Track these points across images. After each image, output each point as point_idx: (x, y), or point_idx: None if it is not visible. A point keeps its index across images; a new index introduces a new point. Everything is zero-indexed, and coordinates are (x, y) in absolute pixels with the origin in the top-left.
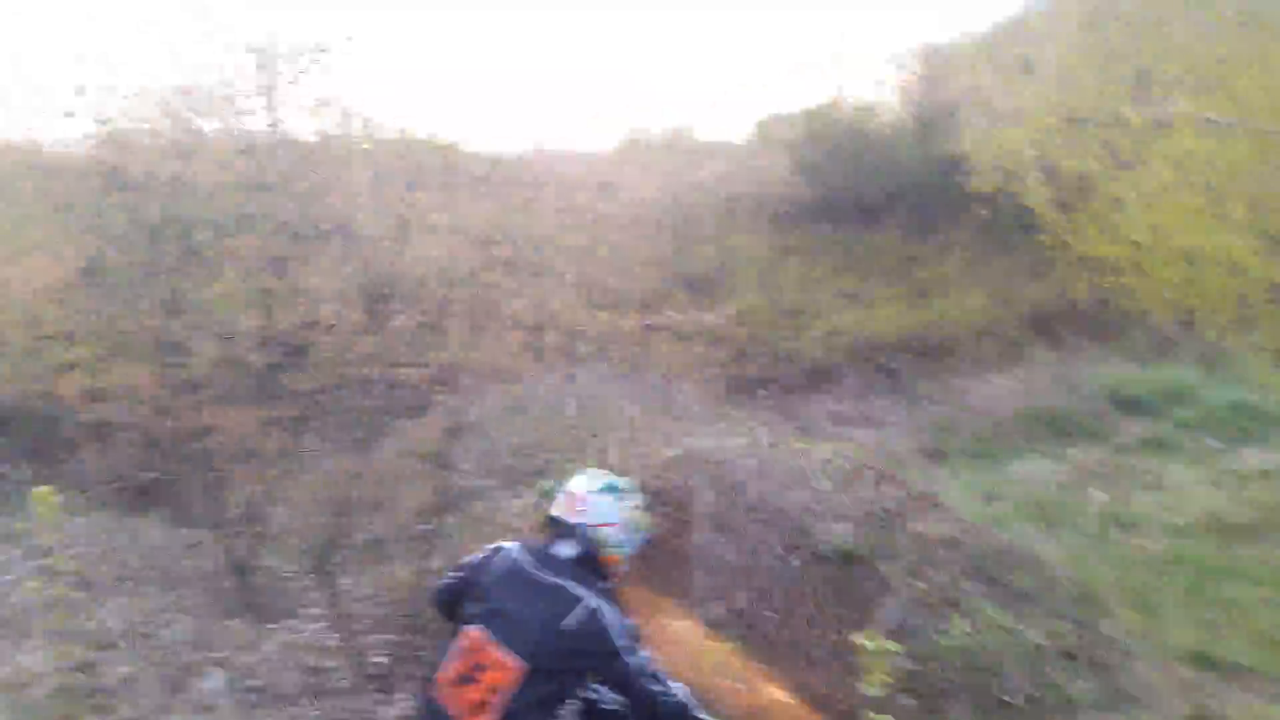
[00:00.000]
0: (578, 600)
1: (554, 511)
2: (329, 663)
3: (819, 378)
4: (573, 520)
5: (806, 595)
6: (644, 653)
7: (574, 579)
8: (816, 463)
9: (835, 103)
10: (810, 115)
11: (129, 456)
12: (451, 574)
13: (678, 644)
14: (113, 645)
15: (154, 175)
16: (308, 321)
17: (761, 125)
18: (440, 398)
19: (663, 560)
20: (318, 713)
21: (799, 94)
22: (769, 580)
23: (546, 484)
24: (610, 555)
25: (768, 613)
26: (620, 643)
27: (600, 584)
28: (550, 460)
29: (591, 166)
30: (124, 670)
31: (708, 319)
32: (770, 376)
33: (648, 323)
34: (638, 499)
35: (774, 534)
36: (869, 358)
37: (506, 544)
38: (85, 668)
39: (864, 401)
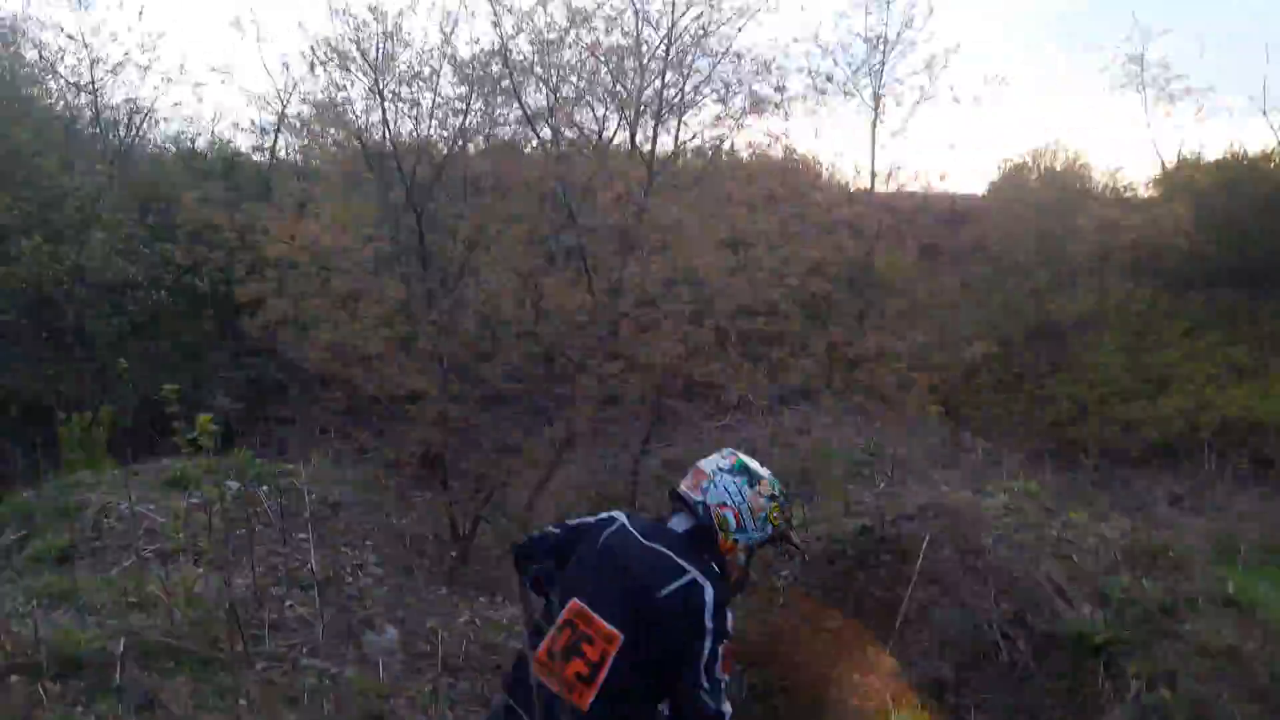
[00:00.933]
0: (681, 572)
1: (679, 486)
2: (515, 644)
3: (1167, 455)
4: (693, 497)
5: (1024, 683)
6: (722, 651)
7: (680, 552)
8: (1091, 538)
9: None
10: (1232, 165)
11: (383, 422)
12: (553, 528)
13: (869, 684)
14: (306, 586)
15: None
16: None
17: (1168, 172)
18: (676, 409)
19: (873, 609)
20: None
21: (1221, 138)
22: (985, 657)
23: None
24: (725, 541)
25: (973, 694)
26: (710, 624)
27: (709, 559)
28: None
29: (959, 199)
30: (302, 610)
31: (1045, 373)
32: (1108, 445)
33: (971, 368)
34: (773, 489)
35: (1005, 606)
36: (1240, 442)
37: (617, 512)
38: (265, 599)
39: (1216, 489)
